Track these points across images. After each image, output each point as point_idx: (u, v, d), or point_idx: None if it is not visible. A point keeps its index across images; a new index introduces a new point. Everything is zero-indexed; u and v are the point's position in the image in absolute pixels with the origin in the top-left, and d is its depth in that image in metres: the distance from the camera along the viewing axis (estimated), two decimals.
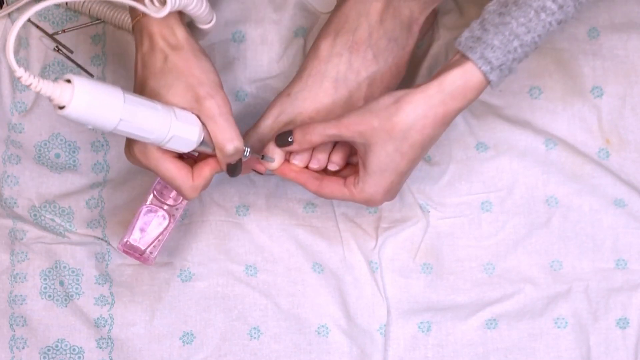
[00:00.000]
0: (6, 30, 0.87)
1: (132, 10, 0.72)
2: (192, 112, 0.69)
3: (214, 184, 0.86)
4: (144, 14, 0.68)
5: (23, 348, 0.84)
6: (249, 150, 0.73)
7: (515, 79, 0.87)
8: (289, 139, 0.74)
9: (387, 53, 0.78)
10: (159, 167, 0.70)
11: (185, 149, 0.69)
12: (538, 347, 0.85)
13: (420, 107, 0.69)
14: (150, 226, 0.81)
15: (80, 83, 0.61)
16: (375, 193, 0.73)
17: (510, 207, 0.87)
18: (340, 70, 0.78)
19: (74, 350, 0.84)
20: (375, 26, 0.78)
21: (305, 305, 0.85)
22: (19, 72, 0.59)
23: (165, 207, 0.81)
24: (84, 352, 0.84)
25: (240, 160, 0.72)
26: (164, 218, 0.81)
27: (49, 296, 0.84)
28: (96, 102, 0.62)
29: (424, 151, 0.72)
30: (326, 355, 0.85)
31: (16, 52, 0.87)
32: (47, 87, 0.60)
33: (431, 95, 0.69)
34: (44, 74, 0.87)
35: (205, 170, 0.72)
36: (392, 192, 0.74)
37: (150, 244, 0.81)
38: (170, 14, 0.68)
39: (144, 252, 0.81)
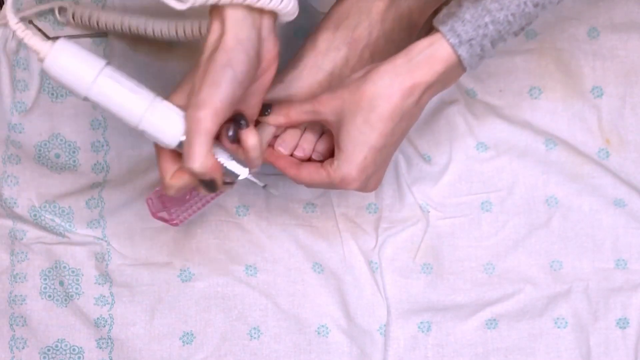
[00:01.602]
0: (6, 31, 0.87)
1: None
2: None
3: None
4: None
5: (23, 348, 0.84)
6: (246, 172, 0.69)
7: (515, 79, 0.88)
8: (267, 111, 0.74)
9: (384, 54, 0.78)
10: (156, 149, 0.68)
11: (164, 145, 0.67)
12: (538, 347, 0.85)
13: (386, 75, 0.68)
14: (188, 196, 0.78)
15: (63, 43, 0.63)
16: (350, 170, 0.70)
17: (510, 207, 0.87)
18: (337, 65, 0.78)
19: (74, 350, 0.84)
20: (376, 25, 0.78)
21: (305, 305, 0.85)
22: (12, 18, 0.61)
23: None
24: (84, 352, 0.84)
25: (213, 181, 0.66)
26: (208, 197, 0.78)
27: (49, 296, 0.84)
28: (72, 64, 0.63)
29: (396, 126, 0.69)
30: (326, 355, 0.85)
31: (16, 52, 0.87)
32: (30, 38, 0.63)
33: (398, 64, 0.68)
34: (44, 73, 0.87)
35: (185, 176, 0.68)
36: (369, 172, 0.71)
37: (180, 207, 0.78)
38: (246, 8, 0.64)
39: (170, 213, 0.78)
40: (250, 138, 0.68)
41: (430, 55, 0.67)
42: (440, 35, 0.67)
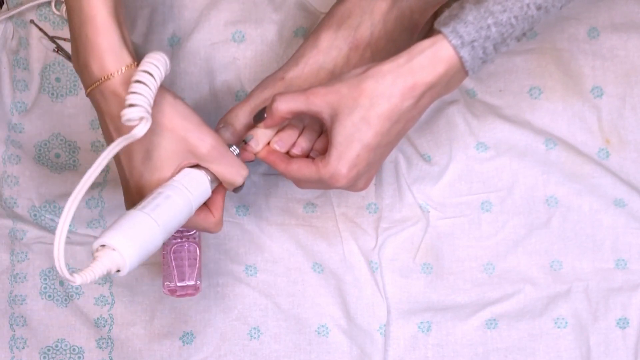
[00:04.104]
0: (6, 30, 0.87)
1: (86, 77, 0.67)
2: (191, 163, 0.69)
3: None
4: (106, 78, 0.66)
5: (23, 348, 0.84)
6: (236, 148, 0.73)
7: (515, 79, 0.88)
8: (264, 115, 0.73)
9: (384, 54, 0.78)
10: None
11: (203, 201, 0.71)
12: (538, 347, 0.85)
13: (388, 74, 0.67)
14: (187, 262, 0.81)
15: (123, 246, 0.62)
16: (341, 166, 0.69)
17: (510, 207, 0.87)
18: (338, 64, 0.78)
19: (74, 350, 0.84)
20: (378, 26, 0.78)
21: (305, 305, 0.85)
22: (78, 280, 0.61)
23: (185, 237, 0.82)
24: (84, 352, 0.84)
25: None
26: (192, 247, 0.81)
27: (49, 296, 0.84)
28: (142, 249, 0.63)
29: (392, 127, 0.69)
30: (326, 355, 0.85)
31: (16, 52, 0.87)
32: (101, 269, 0.62)
33: (400, 64, 0.67)
34: (44, 73, 0.87)
35: (218, 200, 0.73)
36: (359, 169, 0.70)
37: (196, 275, 0.81)
38: (126, 67, 0.66)
39: (195, 285, 0.81)
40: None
41: (432, 55, 0.66)
42: (442, 36, 0.66)
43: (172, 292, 0.80)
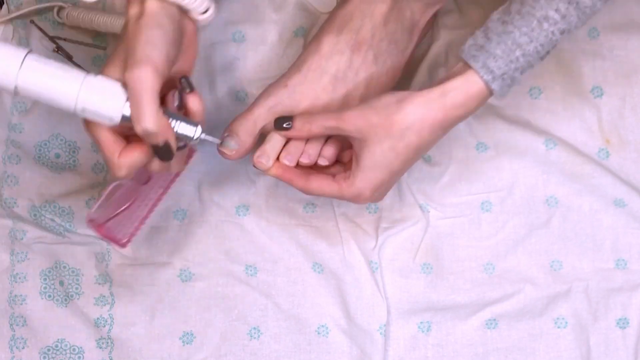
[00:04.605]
0: (6, 31, 0.87)
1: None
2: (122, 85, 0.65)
3: (214, 183, 0.86)
4: None
5: (23, 348, 0.84)
6: (200, 130, 0.68)
7: None
8: (287, 124, 0.75)
9: (386, 55, 0.79)
10: (93, 133, 0.67)
11: (108, 122, 0.65)
12: (538, 347, 0.85)
13: (420, 109, 0.70)
14: (132, 213, 0.77)
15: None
16: (365, 189, 0.73)
17: (510, 207, 0.87)
18: (340, 68, 0.78)
19: (74, 350, 0.84)
20: (379, 27, 0.78)
21: (305, 305, 0.85)
22: None
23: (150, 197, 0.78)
24: (84, 352, 0.84)
25: (167, 144, 0.66)
26: (144, 204, 0.77)
27: (49, 296, 0.84)
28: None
29: (418, 155, 0.73)
30: (326, 355, 0.85)
31: None
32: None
33: (433, 99, 0.70)
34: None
35: (135, 151, 0.66)
36: (381, 190, 0.74)
37: (130, 232, 0.77)
38: None
39: (122, 240, 0.77)
40: (195, 102, 0.68)
41: (465, 92, 0.69)
42: (474, 72, 0.69)
43: (97, 227, 0.76)
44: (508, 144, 0.87)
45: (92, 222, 0.77)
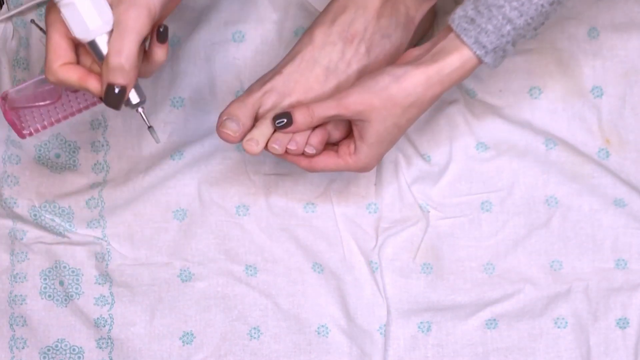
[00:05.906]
0: (6, 30, 0.87)
1: None
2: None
3: (214, 183, 0.86)
4: None
5: (23, 348, 0.84)
6: (141, 102, 0.69)
7: (515, 79, 0.87)
8: (288, 120, 0.75)
9: (379, 49, 0.79)
10: (49, 29, 0.66)
11: (79, 32, 0.64)
12: (538, 347, 0.85)
13: (420, 87, 0.72)
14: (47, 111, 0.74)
15: None
16: (372, 161, 0.77)
17: (510, 207, 0.87)
18: (332, 59, 0.78)
19: (74, 350, 0.84)
20: (372, 21, 0.78)
21: (305, 305, 0.85)
22: None
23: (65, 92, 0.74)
24: (84, 352, 0.84)
25: (122, 93, 0.65)
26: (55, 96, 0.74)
27: (49, 296, 0.84)
28: None
29: (416, 120, 0.76)
30: (326, 355, 0.85)
31: (16, 52, 0.87)
32: None
33: (431, 75, 0.72)
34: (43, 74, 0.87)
35: (77, 74, 0.66)
36: (383, 158, 0.79)
37: (35, 127, 0.74)
38: None
39: (24, 131, 0.73)
40: (161, 55, 0.68)
41: (460, 67, 0.72)
42: (467, 49, 0.71)
43: (7, 110, 0.73)
44: (508, 144, 0.87)
45: (3, 101, 0.73)
